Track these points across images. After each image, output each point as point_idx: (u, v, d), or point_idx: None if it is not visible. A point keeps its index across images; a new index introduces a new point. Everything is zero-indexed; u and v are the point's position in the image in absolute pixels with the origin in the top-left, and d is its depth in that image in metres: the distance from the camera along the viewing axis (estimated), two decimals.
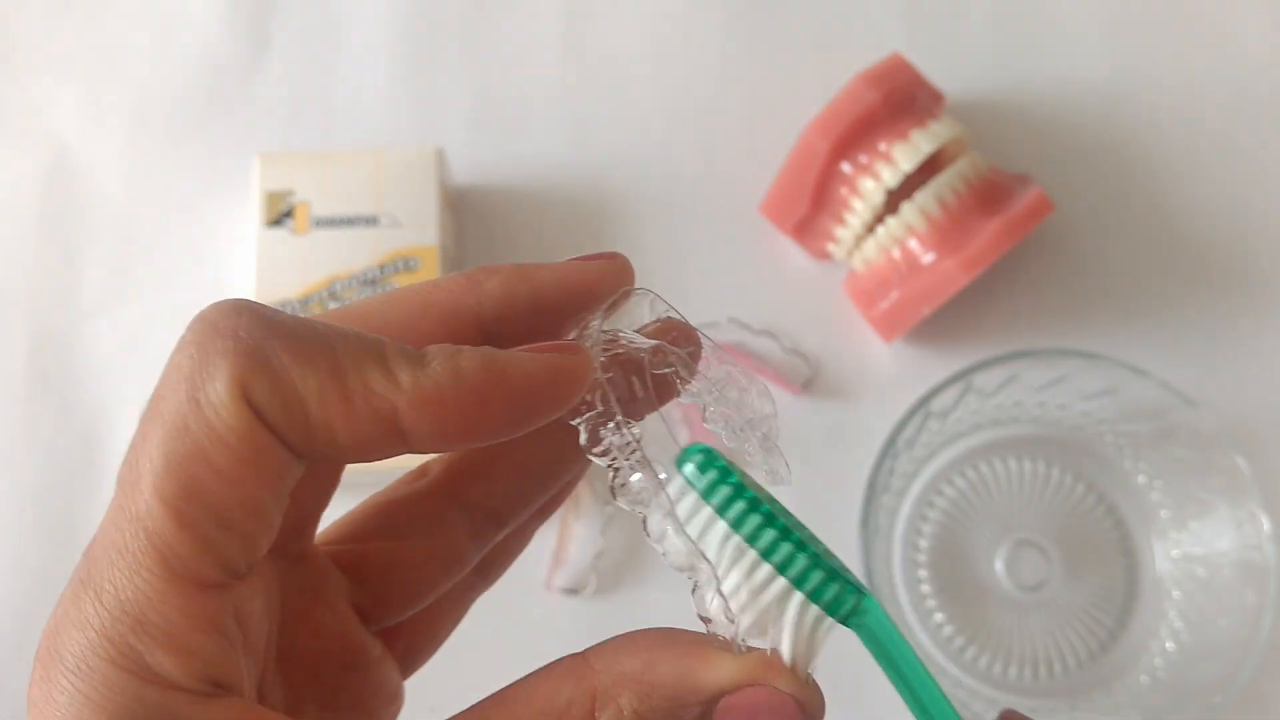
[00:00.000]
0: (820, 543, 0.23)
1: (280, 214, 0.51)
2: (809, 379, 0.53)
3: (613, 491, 0.22)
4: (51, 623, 0.20)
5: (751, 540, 0.21)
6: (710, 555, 0.21)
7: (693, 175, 0.56)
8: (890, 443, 0.47)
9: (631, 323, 0.24)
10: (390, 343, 0.21)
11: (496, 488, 0.27)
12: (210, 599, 0.20)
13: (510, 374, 0.21)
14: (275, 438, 0.20)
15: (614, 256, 0.25)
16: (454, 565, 0.27)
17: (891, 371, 0.53)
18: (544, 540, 0.52)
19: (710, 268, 0.55)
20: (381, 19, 0.58)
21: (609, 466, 0.22)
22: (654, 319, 0.24)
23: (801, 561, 0.21)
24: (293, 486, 0.21)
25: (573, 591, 0.51)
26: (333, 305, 0.50)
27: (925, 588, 0.52)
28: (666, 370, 0.23)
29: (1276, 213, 0.55)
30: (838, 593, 0.21)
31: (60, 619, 0.20)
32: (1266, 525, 0.46)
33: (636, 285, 0.24)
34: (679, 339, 0.24)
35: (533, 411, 0.22)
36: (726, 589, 0.21)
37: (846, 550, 0.47)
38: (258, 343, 0.20)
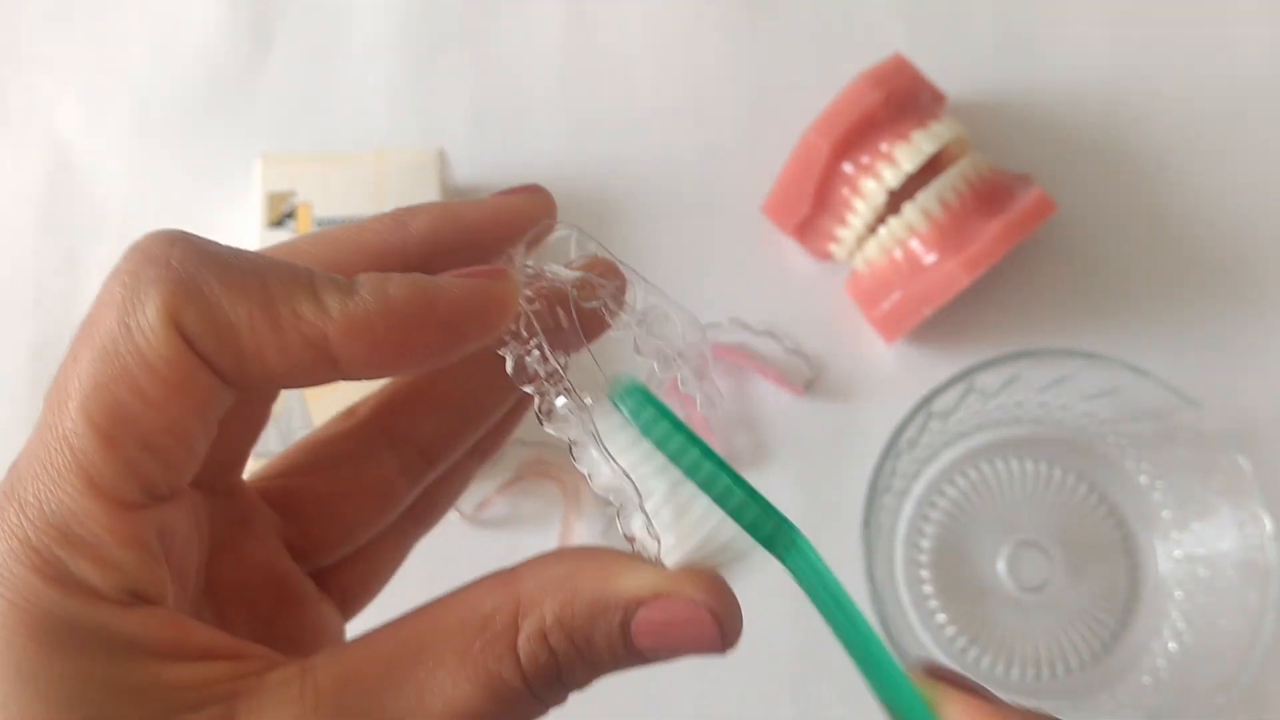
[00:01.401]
0: (745, 481, 0.23)
1: (282, 215, 0.51)
2: (811, 379, 0.53)
3: (539, 418, 0.22)
4: None
5: (676, 458, 0.22)
6: (635, 477, 0.22)
7: (694, 176, 0.56)
8: (892, 443, 0.47)
9: (557, 259, 0.25)
10: (320, 272, 0.21)
11: (424, 422, 0.27)
12: (132, 516, 0.20)
13: (438, 299, 0.22)
14: (205, 365, 0.21)
15: (536, 189, 0.25)
16: (385, 501, 0.27)
17: (893, 372, 0.53)
18: (546, 540, 0.52)
19: (712, 268, 0.55)
20: (382, 20, 0.58)
21: (534, 394, 0.22)
22: (580, 256, 0.24)
23: (724, 480, 0.21)
24: (220, 415, 0.22)
25: None
26: None
27: (927, 588, 0.52)
28: (594, 304, 0.24)
29: (1278, 213, 0.55)
30: (758, 514, 0.22)
31: None
32: (1269, 525, 0.46)
33: (565, 223, 0.25)
34: (605, 274, 0.24)
35: (462, 336, 0.22)
36: (650, 507, 0.22)
37: (849, 551, 0.47)
38: (190, 272, 0.20)
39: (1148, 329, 0.54)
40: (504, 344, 0.23)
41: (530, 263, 0.24)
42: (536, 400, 0.22)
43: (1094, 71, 0.57)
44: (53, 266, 0.55)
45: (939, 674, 0.22)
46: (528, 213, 0.25)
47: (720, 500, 0.22)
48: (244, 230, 0.53)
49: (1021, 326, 0.54)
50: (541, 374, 0.22)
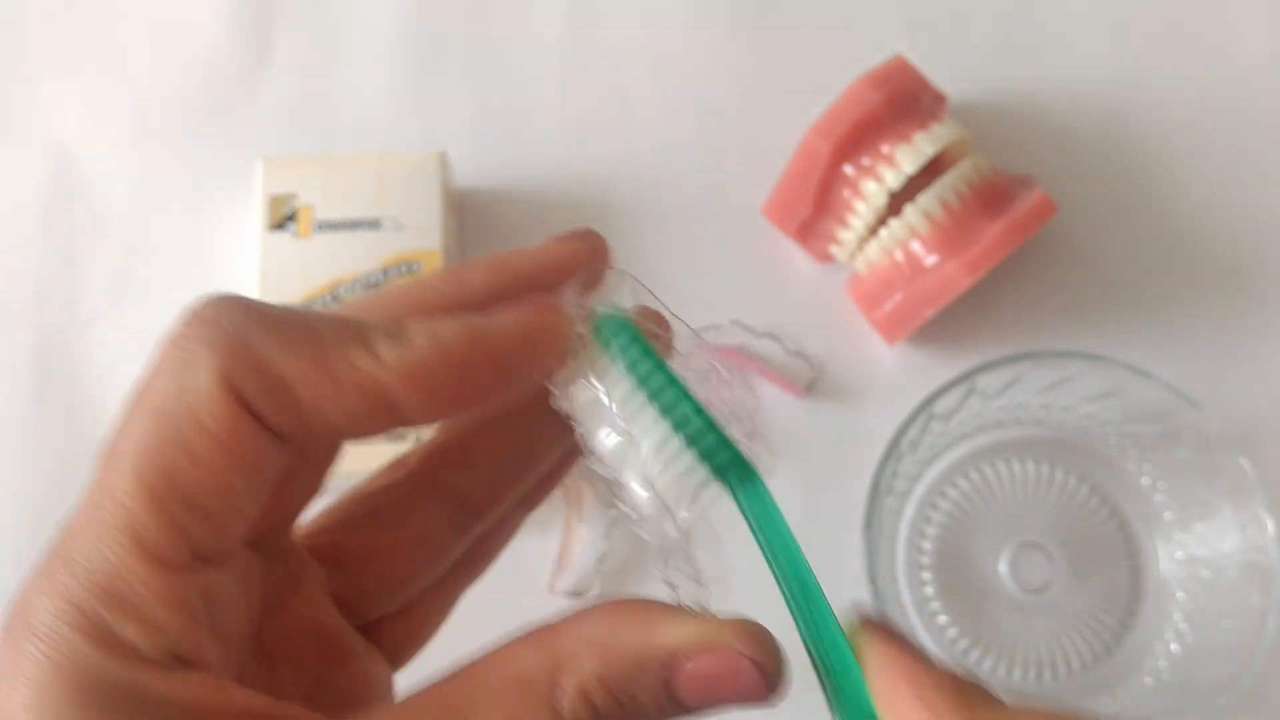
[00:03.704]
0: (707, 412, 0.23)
1: (283, 218, 0.51)
2: (812, 381, 0.53)
3: (584, 451, 0.23)
4: (21, 591, 0.20)
5: (643, 382, 0.22)
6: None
7: (695, 178, 0.56)
8: (893, 445, 0.47)
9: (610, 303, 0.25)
10: (371, 322, 0.22)
11: (472, 475, 0.27)
12: (179, 579, 0.20)
13: (489, 336, 0.22)
14: (260, 426, 0.21)
15: (589, 234, 0.26)
16: (433, 554, 0.27)
17: (894, 373, 0.53)
18: (547, 543, 0.52)
19: (713, 270, 0.55)
20: (384, 23, 0.58)
21: (579, 432, 0.23)
22: (634, 304, 0.24)
23: (682, 406, 0.22)
24: (273, 478, 0.22)
25: (577, 594, 0.51)
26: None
27: (929, 590, 0.52)
28: None
29: None
30: (714, 442, 0.22)
31: (30, 587, 0.20)
32: (1271, 527, 0.46)
33: (618, 268, 0.25)
34: (655, 325, 0.24)
35: (514, 370, 0.22)
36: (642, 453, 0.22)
37: (850, 552, 0.47)
38: (242, 332, 0.21)
39: (1149, 330, 0.54)
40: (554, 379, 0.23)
41: (584, 303, 0.24)
42: (579, 434, 0.23)
43: (1095, 73, 0.57)
44: (54, 269, 0.55)
45: (871, 623, 0.22)
46: (582, 257, 0.25)
47: (678, 426, 0.22)
48: (245, 233, 0.54)
49: (1023, 328, 0.54)
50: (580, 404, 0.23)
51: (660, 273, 0.54)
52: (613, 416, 0.22)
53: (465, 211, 0.55)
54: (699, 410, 0.22)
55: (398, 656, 0.27)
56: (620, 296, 0.25)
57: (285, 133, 0.57)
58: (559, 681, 0.21)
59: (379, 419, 0.22)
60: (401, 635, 0.27)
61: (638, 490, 0.22)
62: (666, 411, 0.22)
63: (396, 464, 0.27)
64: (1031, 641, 0.51)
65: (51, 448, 0.52)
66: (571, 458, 0.29)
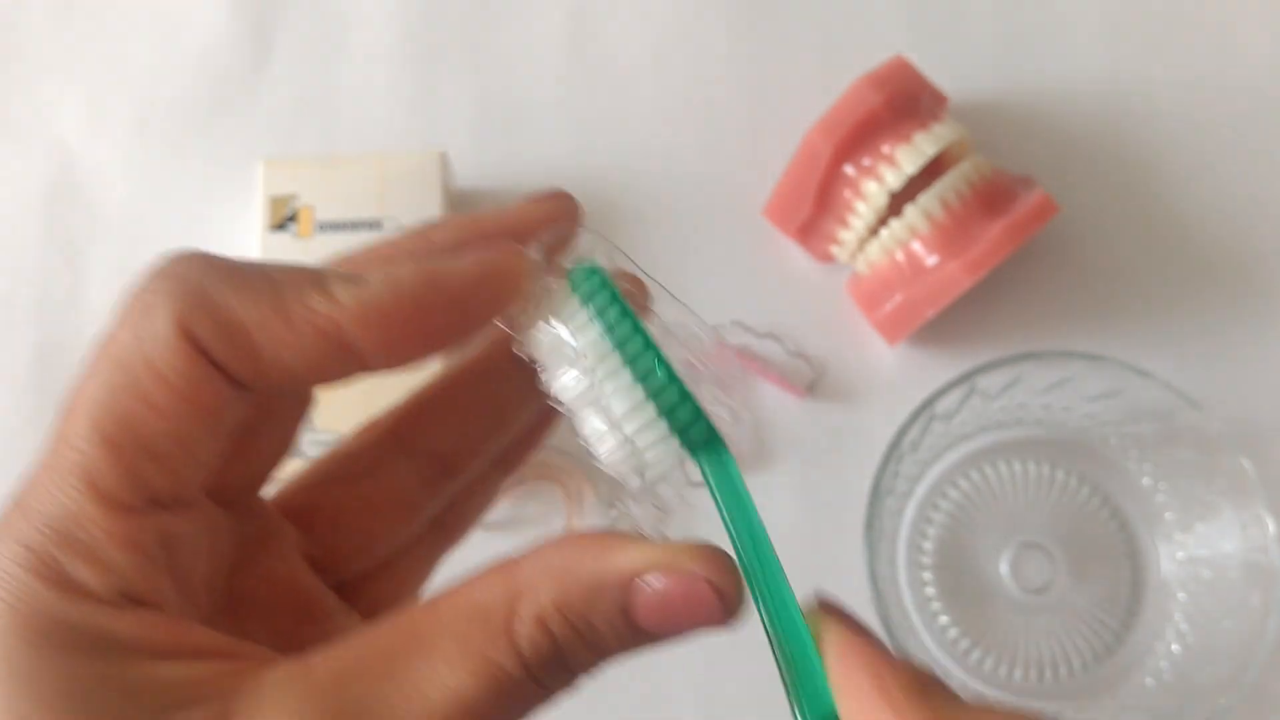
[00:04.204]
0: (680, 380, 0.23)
1: (284, 218, 0.51)
2: (813, 382, 0.53)
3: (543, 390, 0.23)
4: None
5: (619, 345, 0.22)
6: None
7: (695, 178, 0.56)
8: (894, 445, 0.47)
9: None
10: (328, 269, 0.22)
11: (443, 432, 0.27)
12: (133, 521, 0.21)
13: (447, 277, 0.22)
14: (219, 373, 0.21)
15: (560, 195, 0.26)
16: (405, 513, 0.27)
17: (895, 374, 0.53)
18: None
19: (713, 271, 0.55)
20: (384, 23, 0.58)
21: (533, 365, 0.23)
22: (608, 266, 0.24)
23: (656, 373, 0.22)
24: (232, 425, 0.22)
25: None
26: None
27: (930, 590, 0.52)
28: None
29: None
30: (683, 411, 0.22)
31: None
32: (1272, 527, 0.46)
33: (591, 229, 0.25)
34: (631, 287, 0.24)
35: (474, 310, 0.22)
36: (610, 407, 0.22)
37: (851, 553, 0.47)
38: (199, 281, 0.21)
39: (1150, 330, 0.54)
40: (517, 324, 0.23)
41: (553, 258, 0.24)
42: (538, 374, 0.23)
43: (1096, 73, 0.57)
44: (55, 270, 0.55)
45: (829, 608, 0.22)
46: (551, 217, 0.25)
47: (651, 394, 0.22)
48: (246, 234, 0.53)
49: (1024, 328, 0.54)
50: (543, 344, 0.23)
51: (661, 273, 0.54)
52: (576, 357, 0.22)
53: (466, 212, 0.55)
54: (665, 367, 0.22)
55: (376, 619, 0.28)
56: (594, 257, 0.25)
57: (286, 133, 0.57)
58: (517, 610, 0.21)
59: (337, 363, 0.22)
60: (381, 598, 0.27)
61: (597, 425, 0.22)
62: (632, 363, 0.22)
63: (369, 425, 0.28)
64: (1032, 641, 0.51)
65: None
66: (547, 423, 0.29)
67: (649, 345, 0.22)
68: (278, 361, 0.21)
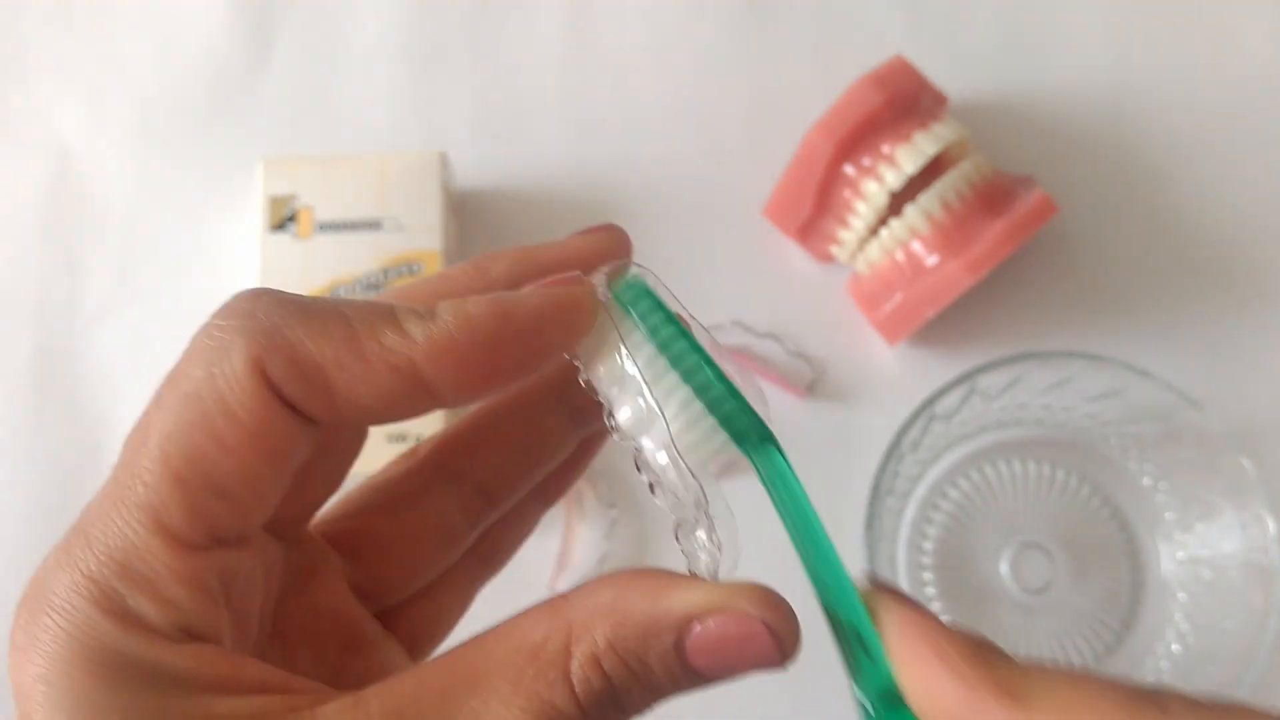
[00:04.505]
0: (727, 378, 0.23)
1: (283, 218, 0.51)
2: (813, 382, 0.53)
3: (610, 428, 0.23)
4: (41, 567, 0.21)
5: (664, 348, 0.22)
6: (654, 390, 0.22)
7: (696, 178, 0.56)
8: (895, 445, 0.47)
9: None
10: (400, 305, 0.22)
11: (484, 462, 0.27)
12: (195, 558, 0.21)
13: (517, 311, 0.22)
14: (290, 413, 0.21)
15: (612, 229, 0.26)
16: (448, 541, 0.27)
17: (895, 374, 0.53)
18: (549, 543, 0.52)
19: (714, 271, 0.55)
20: (384, 23, 0.58)
21: (602, 400, 0.23)
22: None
23: (703, 371, 0.22)
24: (297, 466, 0.22)
25: None
26: None
27: (930, 590, 0.52)
28: None
29: None
30: (734, 409, 0.22)
31: (49, 562, 0.21)
32: (1272, 527, 0.46)
33: (638, 264, 0.25)
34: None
35: (544, 344, 0.22)
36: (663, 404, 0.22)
37: (851, 553, 0.47)
38: (273, 320, 0.21)
39: (1150, 330, 0.54)
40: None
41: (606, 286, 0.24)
42: (605, 412, 0.23)
43: (1096, 73, 0.57)
44: (54, 270, 0.55)
45: (883, 588, 0.22)
46: (604, 251, 0.25)
47: (699, 391, 0.22)
48: (246, 234, 0.53)
49: (1024, 328, 0.54)
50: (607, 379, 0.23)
51: (661, 273, 0.54)
52: (633, 380, 0.22)
53: (465, 212, 0.55)
54: (720, 376, 0.22)
55: (417, 648, 0.28)
56: (637, 274, 0.25)
57: (285, 133, 0.57)
58: (571, 649, 0.21)
59: (412, 398, 0.22)
60: (420, 626, 0.28)
61: (657, 455, 0.22)
62: (688, 377, 0.22)
63: (409, 453, 0.28)
64: (1033, 642, 0.51)
65: (52, 447, 0.52)
66: (586, 453, 0.29)
67: (704, 360, 0.22)
68: (352, 399, 0.21)
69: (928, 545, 0.52)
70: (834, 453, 0.52)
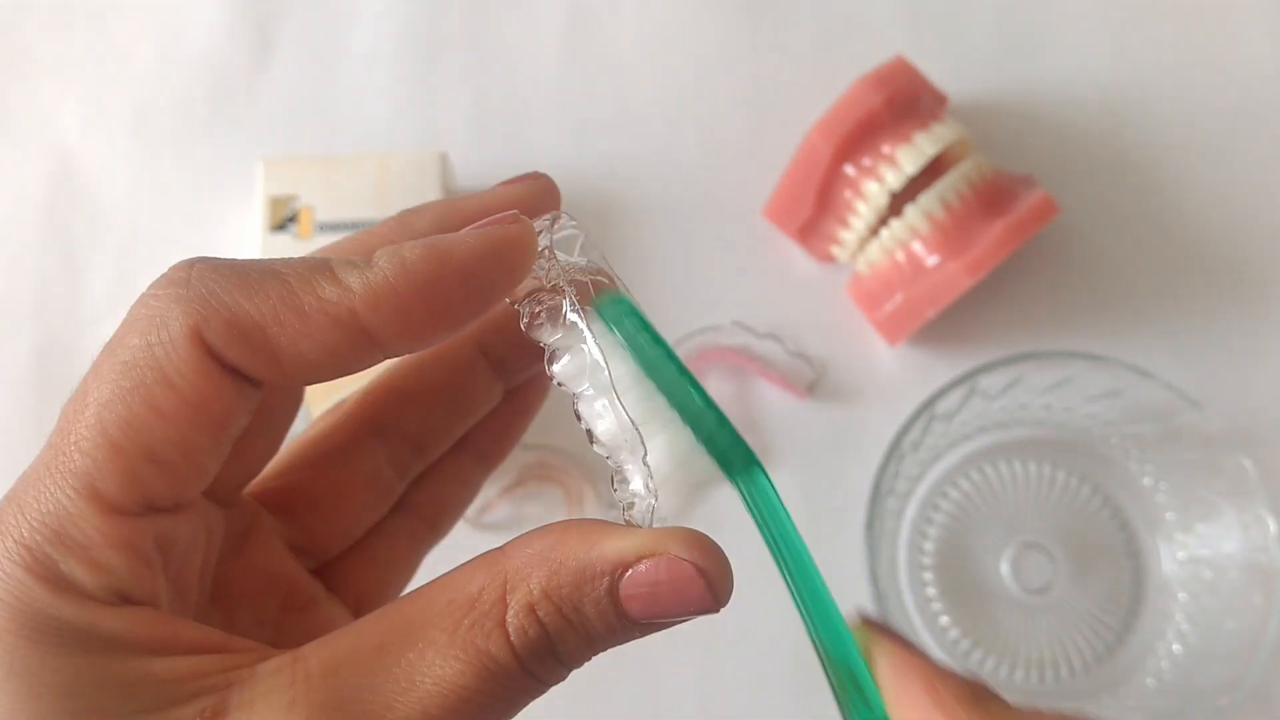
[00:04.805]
0: (714, 404, 0.23)
1: (284, 219, 0.51)
2: (813, 382, 0.53)
3: (548, 365, 0.23)
4: None
5: (650, 370, 0.22)
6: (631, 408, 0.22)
7: (696, 179, 0.56)
8: (895, 445, 0.47)
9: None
10: (334, 257, 0.22)
11: (409, 413, 0.27)
12: (130, 523, 0.21)
13: (454, 252, 0.22)
14: (230, 379, 0.21)
15: (538, 177, 0.26)
16: (377, 492, 0.27)
17: (896, 374, 0.53)
18: None
19: (714, 271, 0.55)
20: (384, 23, 0.58)
21: (545, 346, 0.23)
22: (583, 259, 0.24)
23: (692, 398, 0.22)
24: (237, 433, 0.22)
25: None
26: None
27: (930, 590, 0.52)
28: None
29: None
30: (721, 434, 0.22)
31: None
32: (1273, 527, 0.46)
33: (567, 215, 0.25)
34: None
35: (486, 284, 0.22)
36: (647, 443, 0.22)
37: (851, 553, 0.47)
38: (209, 285, 0.21)
39: (1151, 330, 0.54)
40: (518, 300, 0.23)
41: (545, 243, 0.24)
42: (546, 355, 0.22)
43: (1096, 73, 0.57)
44: (55, 270, 0.55)
45: (874, 625, 0.22)
46: (531, 200, 0.25)
47: (686, 417, 0.22)
48: (246, 234, 0.53)
49: (1024, 328, 0.54)
50: (546, 312, 0.23)
51: (661, 273, 0.54)
52: (576, 329, 0.22)
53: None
54: (704, 397, 0.22)
55: (363, 611, 0.28)
56: (570, 251, 0.25)
57: (286, 133, 0.57)
58: (507, 599, 0.21)
59: (356, 349, 0.21)
60: (366, 587, 0.28)
61: (595, 403, 0.22)
62: (671, 397, 0.22)
63: (334, 408, 0.28)
64: (1033, 642, 0.51)
65: None
66: (524, 415, 0.29)
67: (683, 373, 0.22)
68: (296, 355, 0.21)
69: (928, 545, 0.52)
70: (834, 453, 0.52)
